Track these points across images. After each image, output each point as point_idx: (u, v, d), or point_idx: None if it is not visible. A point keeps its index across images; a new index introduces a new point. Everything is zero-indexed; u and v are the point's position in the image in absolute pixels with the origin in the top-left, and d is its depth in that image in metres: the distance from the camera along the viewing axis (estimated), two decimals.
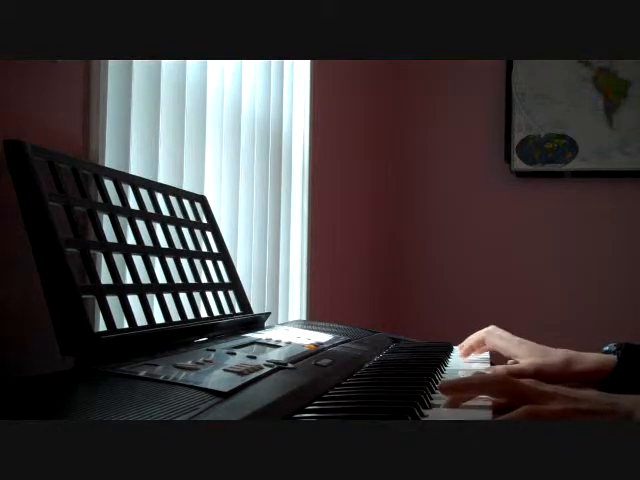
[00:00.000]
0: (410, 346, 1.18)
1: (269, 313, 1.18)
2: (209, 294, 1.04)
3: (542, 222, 2.64)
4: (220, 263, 1.11)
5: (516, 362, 0.97)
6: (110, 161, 0.97)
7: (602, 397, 0.68)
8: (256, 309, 1.23)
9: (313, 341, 0.98)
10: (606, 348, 0.95)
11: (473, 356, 1.08)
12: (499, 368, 0.95)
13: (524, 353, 0.95)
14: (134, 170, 1.03)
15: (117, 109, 0.99)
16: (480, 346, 1.05)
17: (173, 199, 1.04)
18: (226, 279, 1.11)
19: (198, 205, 1.13)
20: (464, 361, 1.05)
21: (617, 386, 0.88)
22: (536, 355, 0.93)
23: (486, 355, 1.09)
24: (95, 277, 0.77)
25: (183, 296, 0.94)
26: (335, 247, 2.11)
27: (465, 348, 1.07)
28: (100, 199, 0.86)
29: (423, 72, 2.74)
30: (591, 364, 0.90)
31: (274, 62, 1.58)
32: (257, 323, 1.10)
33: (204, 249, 1.08)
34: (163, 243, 0.96)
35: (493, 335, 1.02)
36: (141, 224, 0.92)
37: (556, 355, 0.92)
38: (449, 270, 2.71)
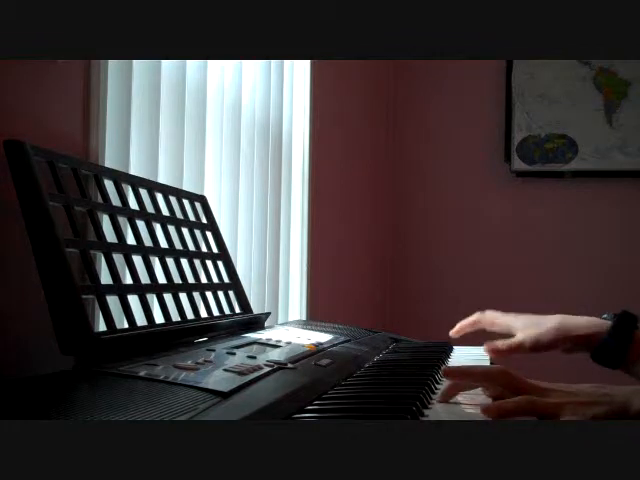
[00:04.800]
0: (410, 346, 1.18)
1: (269, 313, 1.18)
2: (209, 294, 1.04)
3: (542, 222, 2.64)
4: (220, 263, 1.11)
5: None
6: (110, 161, 0.97)
7: (598, 389, 0.70)
8: (256, 309, 1.23)
9: (313, 341, 0.98)
10: (605, 316, 0.96)
11: (471, 349, 1.08)
12: (498, 343, 0.96)
13: (520, 325, 0.96)
14: (134, 170, 1.03)
15: (117, 109, 0.99)
16: (474, 326, 1.03)
17: (173, 199, 1.04)
18: (226, 279, 1.11)
19: (198, 205, 1.13)
20: (464, 359, 1.05)
21: (608, 352, 0.89)
22: (532, 327, 0.94)
23: (485, 355, 1.08)
24: (95, 277, 0.77)
25: (183, 296, 0.94)
26: (335, 247, 2.11)
27: (457, 328, 1.03)
28: (100, 199, 0.86)
29: (423, 72, 2.74)
30: (584, 329, 0.91)
31: (274, 62, 1.58)
32: (257, 323, 1.10)
33: (204, 249, 1.08)
34: (163, 243, 0.96)
35: (488, 313, 1.02)
36: (141, 224, 0.92)
37: (550, 322, 0.94)
38: (449, 270, 2.71)
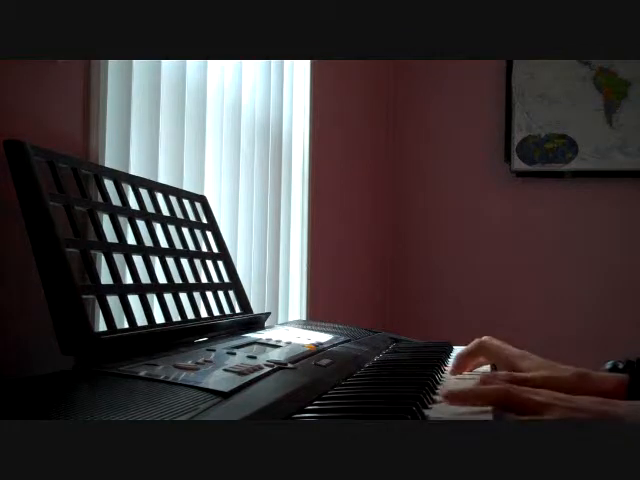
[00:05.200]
0: (410, 346, 1.18)
1: (269, 313, 1.17)
2: (209, 294, 1.04)
3: (542, 222, 2.64)
4: (220, 263, 1.11)
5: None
6: (110, 161, 0.97)
7: (598, 405, 0.68)
8: (256, 309, 1.23)
9: (313, 341, 0.98)
10: (608, 366, 0.91)
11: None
12: (501, 374, 0.90)
13: (529, 366, 0.86)
14: (134, 170, 1.03)
15: (117, 109, 0.99)
16: (475, 357, 0.93)
17: (173, 199, 1.04)
18: (226, 279, 1.11)
19: (198, 205, 1.13)
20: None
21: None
22: (546, 368, 0.85)
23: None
24: (95, 277, 0.77)
25: (183, 296, 0.94)
26: (335, 247, 2.11)
27: (456, 365, 0.92)
28: (100, 199, 0.86)
29: (423, 72, 2.74)
30: (608, 384, 0.83)
31: (274, 62, 1.58)
32: (257, 323, 1.10)
33: (204, 249, 1.08)
34: (163, 243, 0.96)
35: (492, 343, 0.91)
36: (141, 224, 0.92)
37: (567, 371, 0.84)
38: (449, 270, 2.71)
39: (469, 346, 0.93)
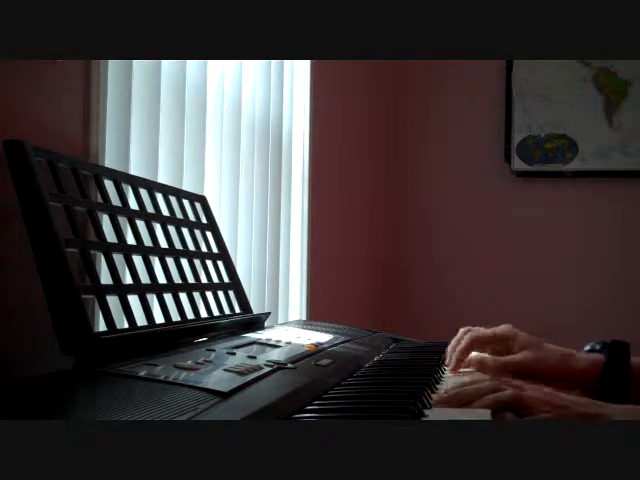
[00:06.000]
0: (410, 346, 1.18)
1: (269, 313, 1.17)
2: (209, 294, 1.04)
3: (542, 222, 2.64)
4: (220, 263, 1.11)
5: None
6: (110, 161, 0.97)
7: (590, 406, 0.73)
8: (256, 309, 1.23)
9: (313, 341, 0.98)
10: (587, 348, 0.96)
11: None
12: (489, 359, 0.94)
13: (522, 340, 0.94)
14: (134, 170, 1.03)
15: (117, 109, 0.99)
16: (470, 352, 0.97)
17: (173, 199, 1.04)
18: (226, 279, 1.11)
19: (198, 205, 1.13)
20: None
21: (607, 385, 0.89)
22: (532, 347, 0.93)
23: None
24: (95, 277, 0.77)
25: (183, 296, 0.94)
26: (335, 247, 2.11)
27: (454, 363, 0.95)
28: (100, 199, 0.86)
29: (423, 72, 2.74)
30: (583, 364, 0.92)
31: (274, 62, 1.58)
32: (257, 323, 1.10)
33: (204, 249, 1.08)
34: (163, 243, 0.96)
35: (480, 336, 0.97)
36: (141, 224, 0.92)
37: (551, 352, 0.93)
38: (449, 270, 2.71)
39: (463, 344, 0.97)
